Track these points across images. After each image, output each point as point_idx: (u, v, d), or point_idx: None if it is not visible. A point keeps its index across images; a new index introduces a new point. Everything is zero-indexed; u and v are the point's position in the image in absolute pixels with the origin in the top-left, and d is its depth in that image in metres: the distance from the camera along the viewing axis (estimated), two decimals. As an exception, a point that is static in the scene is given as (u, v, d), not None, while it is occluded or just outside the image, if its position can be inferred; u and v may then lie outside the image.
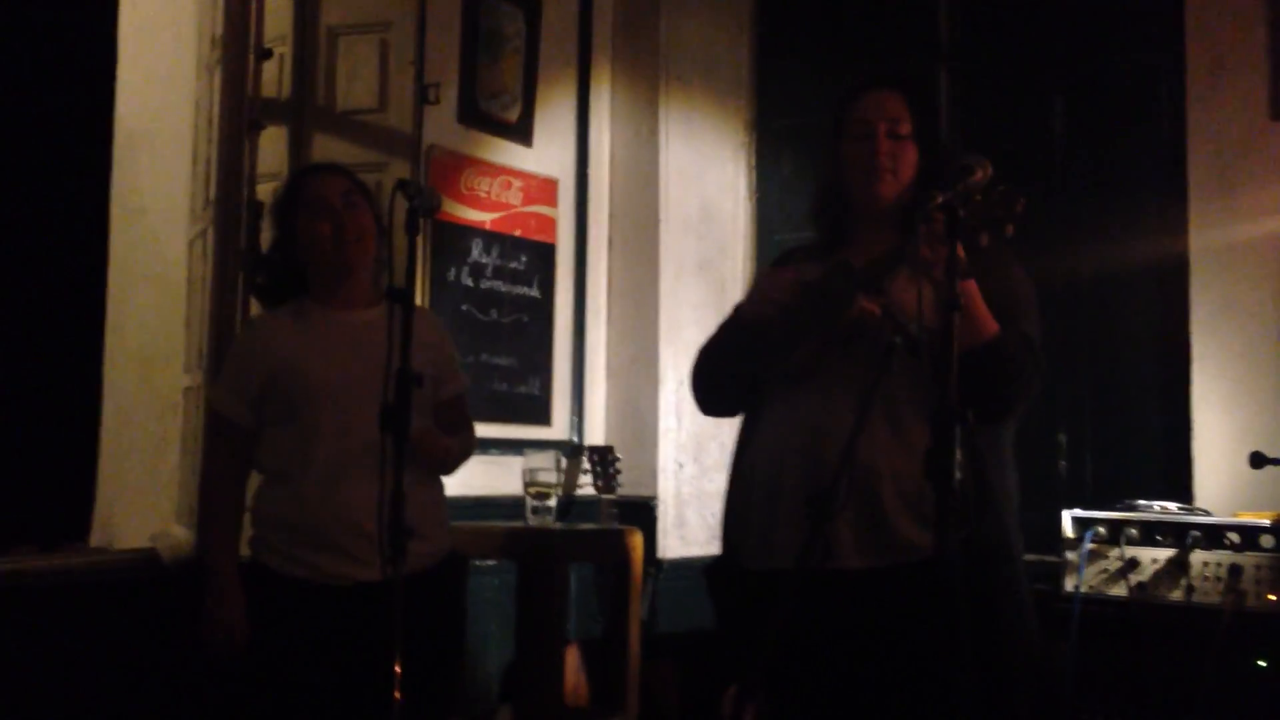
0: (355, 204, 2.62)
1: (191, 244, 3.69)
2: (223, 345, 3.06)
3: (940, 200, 1.92)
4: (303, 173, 2.79)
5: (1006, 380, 2.11)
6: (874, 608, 2.11)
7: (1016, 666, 2.16)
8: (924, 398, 2.08)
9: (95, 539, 3.89)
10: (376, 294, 2.67)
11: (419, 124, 3.56)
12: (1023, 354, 2.14)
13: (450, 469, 2.69)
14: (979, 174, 1.97)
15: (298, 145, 3.60)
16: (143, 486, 3.91)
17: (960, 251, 1.92)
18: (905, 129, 2.28)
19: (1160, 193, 3.75)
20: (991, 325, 2.10)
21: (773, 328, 2.24)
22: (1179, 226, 3.68)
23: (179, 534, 3.39)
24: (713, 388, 2.44)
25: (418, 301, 3.69)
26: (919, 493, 2.06)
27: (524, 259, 4.28)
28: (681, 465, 4.54)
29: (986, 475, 2.14)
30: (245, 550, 2.63)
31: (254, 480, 2.67)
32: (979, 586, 2.06)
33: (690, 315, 4.62)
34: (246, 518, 2.65)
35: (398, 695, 2.04)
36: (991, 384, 2.07)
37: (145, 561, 3.30)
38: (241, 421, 2.60)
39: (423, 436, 2.50)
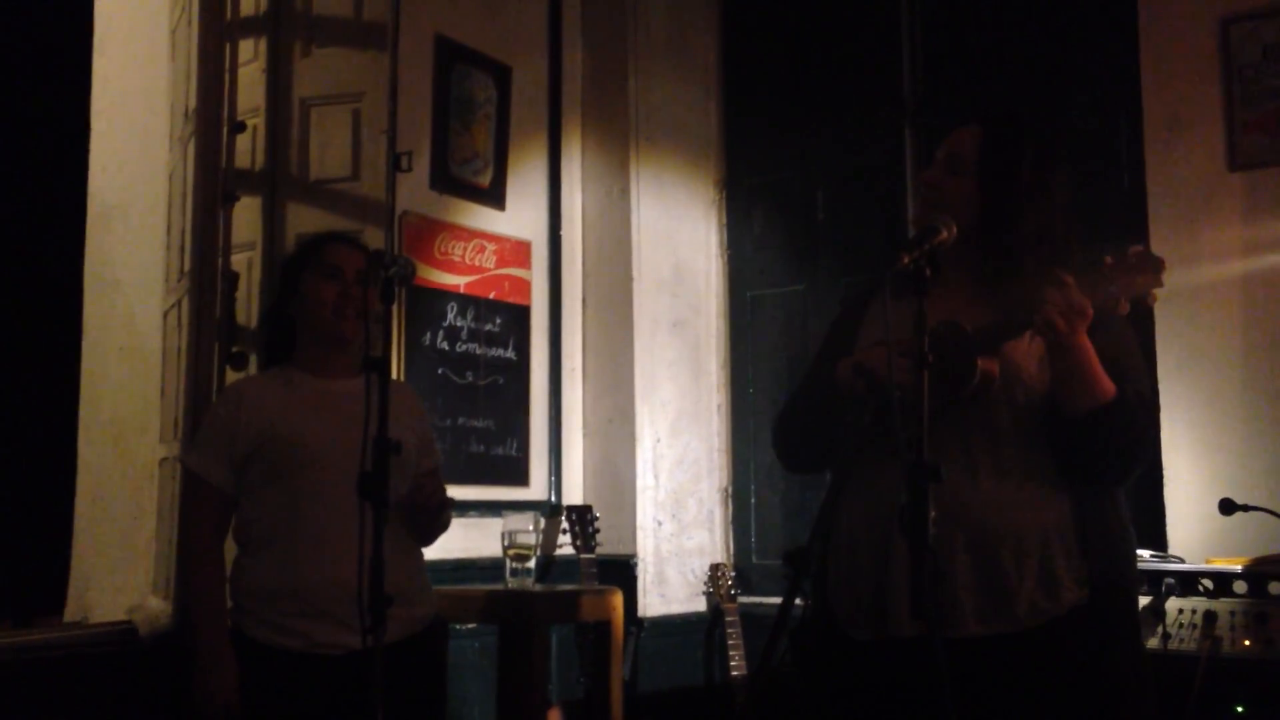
0: (363, 282, 2.63)
1: (166, 315, 3.70)
2: (199, 416, 3.06)
3: (906, 261, 1.93)
4: (326, 237, 2.79)
5: (1127, 443, 2.03)
6: (994, 676, 2.00)
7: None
8: (1029, 454, 2.04)
9: (71, 613, 3.86)
10: (359, 364, 2.68)
11: (392, 191, 3.60)
12: (1141, 414, 2.04)
13: (431, 538, 2.69)
14: (944, 234, 1.98)
15: (272, 215, 3.63)
16: (119, 559, 3.89)
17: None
18: (967, 162, 2.17)
19: (1122, 243, 3.80)
20: (1109, 387, 2.00)
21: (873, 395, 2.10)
22: (1142, 276, 3.74)
23: (156, 606, 3.36)
24: (794, 446, 2.34)
25: (394, 367, 3.70)
26: (1042, 551, 2.01)
27: (499, 321, 4.31)
28: (660, 523, 4.55)
29: (1103, 512, 2.07)
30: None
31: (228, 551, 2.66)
32: (1107, 643, 2.01)
33: (666, 373, 4.65)
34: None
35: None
36: (1113, 447, 2.01)
37: (122, 635, 3.27)
38: (223, 486, 2.58)
39: (420, 487, 2.52)
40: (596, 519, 4.08)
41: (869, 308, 2.32)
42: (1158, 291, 1.92)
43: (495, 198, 4.34)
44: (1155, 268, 1.89)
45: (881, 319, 2.22)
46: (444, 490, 2.64)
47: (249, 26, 3.65)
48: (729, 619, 4.13)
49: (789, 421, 2.33)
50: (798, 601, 1.93)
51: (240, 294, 3.44)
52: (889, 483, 1.99)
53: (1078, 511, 2.06)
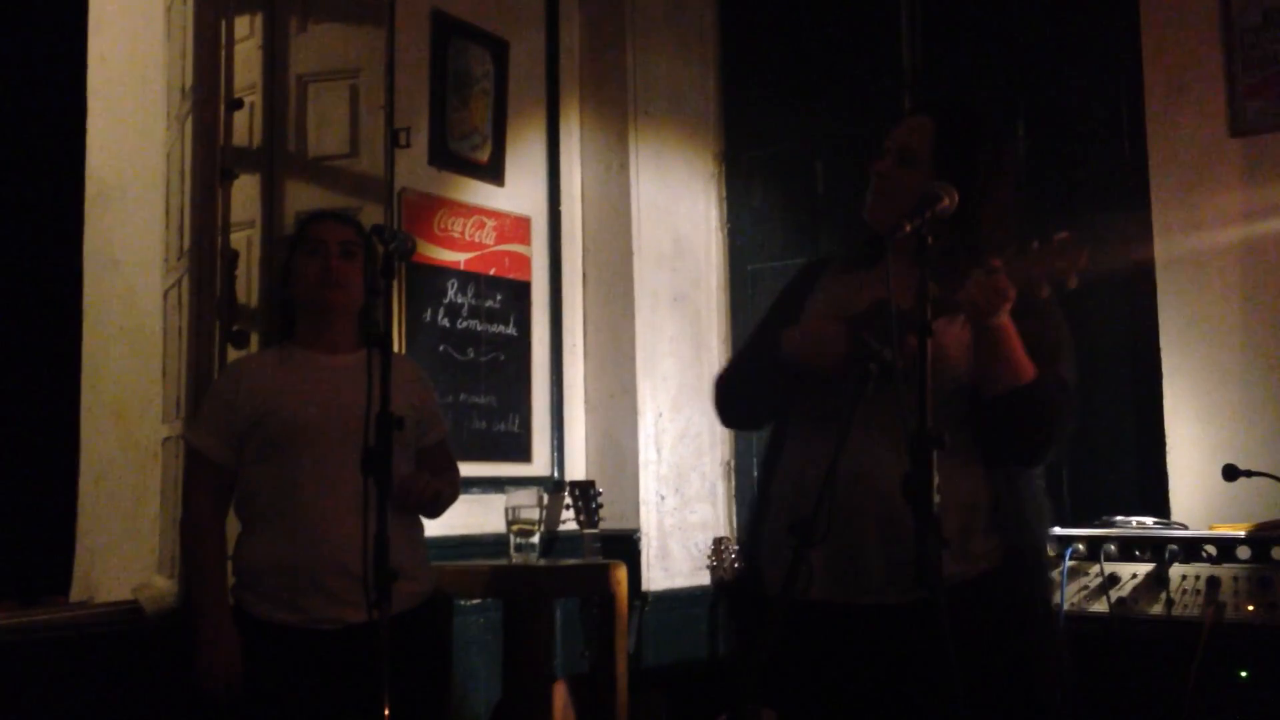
0: (351, 254, 2.66)
1: (166, 294, 3.69)
2: (200, 395, 3.06)
3: (909, 228, 1.94)
4: (312, 216, 2.85)
5: (1042, 425, 2.08)
6: (907, 642, 2.05)
7: (1046, 684, 2.14)
8: (950, 433, 1.99)
9: (76, 593, 3.86)
10: (359, 340, 2.70)
11: (390, 168, 3.58)
12: (1059, 398, 2.10)
13: (438, 511, 2.70)
14: (945, 201, 2.00)
15: (270, 193, 3.61)
16: (123, 538, 3.89)
17: (933, 288, 1.94)
18: (920, 156, 2.19)
19: (1124, 211, 3.81)
20: (1029, 369, 2.06)
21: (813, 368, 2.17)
22: (1144, 243, 3.74)
23: (161, 585, 3.37)
24: (735, 407, 2.42)
25: (395, 344, 3.70)
26: (953, 523, 2.04)
27: (499, 297, 4.30)
28: (663, 497, 4.55)
29: (1018, 488, 2.14)
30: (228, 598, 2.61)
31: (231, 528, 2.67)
32: (1017, 602, 2.09)
33: (667, 347, 4.64)
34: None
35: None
36: (1027, 428, 2.06)
37: (128, 614, 3.28)
38: (223, 461, 2.61)
39: (411, 482, 2.52)
40: (599, 494, 4.08)
41: (820, 279, 2.39)
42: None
43: (494, 173, 4.32)
44: (1076, 254, 1.95)
45: (829, 292, 2.32)
46: (438, 482, 2.64)
47: (244, 3, 3.63)
48: (733, 592, 4.14)
49: (730, 382, 2.41)
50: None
51: (240, 272, 3.44)
52: (819, 449, 2.07)
53: (992, 489, 2.12)
